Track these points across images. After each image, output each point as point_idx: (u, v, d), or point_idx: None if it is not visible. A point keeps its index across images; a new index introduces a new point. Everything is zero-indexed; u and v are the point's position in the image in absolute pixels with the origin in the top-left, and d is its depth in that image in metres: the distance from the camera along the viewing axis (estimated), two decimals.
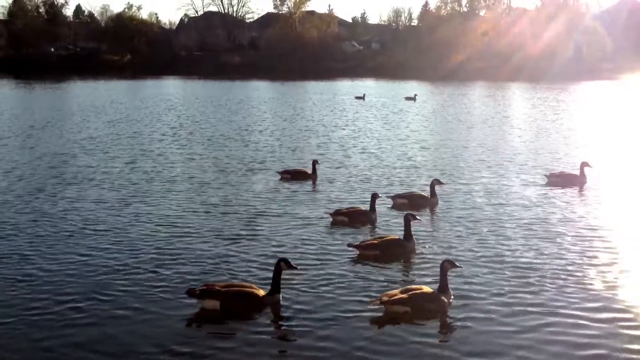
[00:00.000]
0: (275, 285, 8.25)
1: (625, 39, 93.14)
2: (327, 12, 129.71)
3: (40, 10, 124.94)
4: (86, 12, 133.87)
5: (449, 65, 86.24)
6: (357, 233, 11.62)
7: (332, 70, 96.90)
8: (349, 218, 12.16)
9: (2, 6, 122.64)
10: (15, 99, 49.43)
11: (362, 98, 47.00)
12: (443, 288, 8.30)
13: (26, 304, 8.17)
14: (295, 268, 8.52)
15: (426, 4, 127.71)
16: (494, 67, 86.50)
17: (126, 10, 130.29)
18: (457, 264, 8.65)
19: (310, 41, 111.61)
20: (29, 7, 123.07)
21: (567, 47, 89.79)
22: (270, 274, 8.42)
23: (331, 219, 12.25)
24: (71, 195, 14.32)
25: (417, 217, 10.83)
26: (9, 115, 34.13)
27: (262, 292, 8.21)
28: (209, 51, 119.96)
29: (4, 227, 11.61)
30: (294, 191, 15.08)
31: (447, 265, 8.40)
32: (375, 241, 10.39)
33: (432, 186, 13.78)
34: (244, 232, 11.57)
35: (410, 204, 13.39)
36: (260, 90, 64.88)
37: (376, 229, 11.99)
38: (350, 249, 10.27)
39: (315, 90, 62.58)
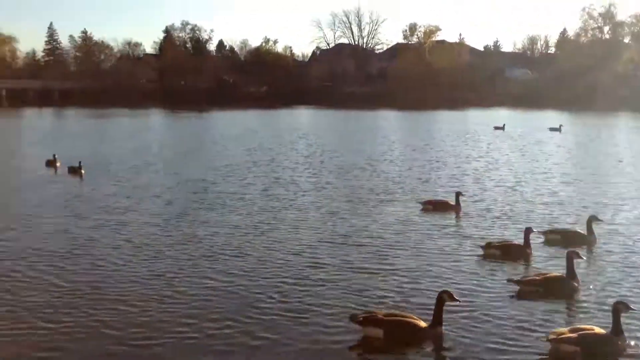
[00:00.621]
0: (437, 317, 8.12)
1: None
2: (457, 41, 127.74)
3: (187, 45, 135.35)
4: (227, 46, 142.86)
5: (589, 93, 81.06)
6: (511, 268, 11.12)
7: (463, 99, 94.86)
8: (501, 251, 11.78)
9: (154, 42, 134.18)
10: (163, 127, 53.70)
11: (502, 128, 45.25)
12: (616, 331, 7.70)
13: (174, 324, 8.49)
14: (457, 300, 8.34)
15: (564, 31, 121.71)
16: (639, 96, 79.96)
17: (263, 44, 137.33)
18: (632, 306, 7.99)
19: (440, 71, 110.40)
20: (177, 43, 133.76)
21: None
22: (420, 306, 8.43)
23: (482, 252, 11.86)
24: (210, 220, 14.97)
25: (581, 254, 10.32)
26: (157, 143, 36.97)
27: (424, 324, 8.09)
28: (339, 82, 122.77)
29: (149, 250, 12.30)
30: (435, 223, 14.63)
31: (620, 307, 7.86)
32: (538, 277, 9.99)
33: (589, 223, 12.88)
34: (386, 263, 11.34)
35: (564, 240, 12.58)
36: (389, 120, 65.02)
37: (531, 265, 11.41)
38: (510, 284, 9.90)
39: (446, 120, 61.51)
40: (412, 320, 8.09)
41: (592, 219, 12.96)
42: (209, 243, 12.78)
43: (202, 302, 9.36)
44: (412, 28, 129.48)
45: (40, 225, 14.44)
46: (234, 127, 50.73)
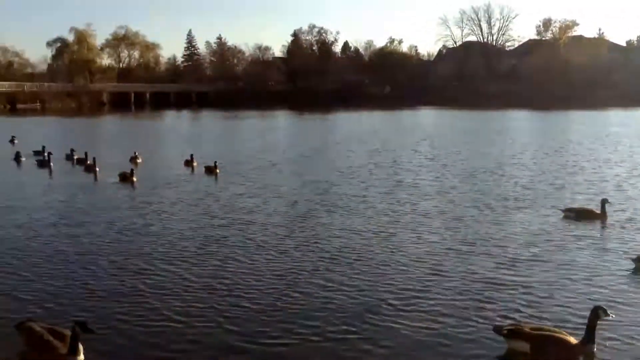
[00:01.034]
0: (590, 334, 7.66)
1: None
2: (596, 36, 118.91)
3: (314, 48, 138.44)
4: (352, 47, 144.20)
5: None
6: None
7: (602, 98, 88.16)
8: None
9: (283, 45, 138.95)
10: (289, 128, 55.32)
11: None
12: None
13: (295, 325, 8.60)
14: (612, 316, 7.88)
15: None
16: None
17: (388, 44, 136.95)
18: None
19: (576, 68, 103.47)
20: (305, 46, 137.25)
21: None
22: (558, 322, 8.07)
23: (634, 266, 10.91)
24: (331, 222, 15.06)
25: None
26: (283, 143, 38.09)
27: (574, 340, 7.64)
28: (466, 81, 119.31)
29: (272, 250, 12.60)
30: (576, 233, 13.65)
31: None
32: None
33: None
34: (519, 275, 10.73)
35: None
36: (520, 121, 61.98)
37: None
38: None
39: (583, 120, 57.47)
40: (562, 336, 7.65)
41: None
42: (330, 246, 12.85)
43: (321, 305, 9.40)
44: (547, 23, 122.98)
45: (175, 222, 15.31)
46: (358, 128, 51.04)
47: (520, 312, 9.03)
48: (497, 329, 7.88)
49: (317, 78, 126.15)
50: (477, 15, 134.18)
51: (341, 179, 22.42)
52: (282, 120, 68.76)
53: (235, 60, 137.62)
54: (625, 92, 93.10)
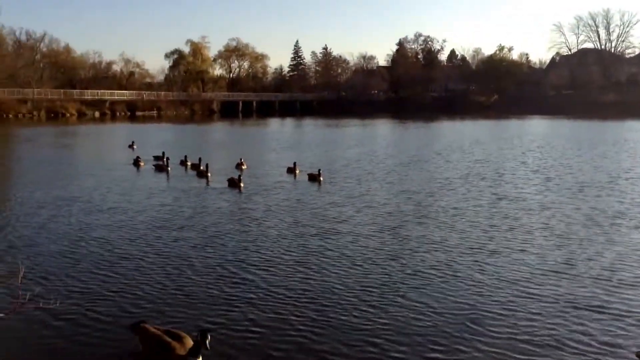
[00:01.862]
0: None
1: None
2: None
3: (419, 56, 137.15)
4: (459, 55, 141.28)
5: None
6: None
7: None
8: None
9: (387, 54, 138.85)
10: (391, 136, 54.98)
11: None
12: None
13: (378, 342, 8.54)
14: None
15: None
16: None
17: (497, 52, 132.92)
18: None
19: None
20: (410, 54, 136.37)
21: None
22: None
23: None
24: (424, 236, 14.75)
25: None
26: (383, 151, 37.94)
27: None
28: (580, 89, 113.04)
29: (362, 262, 12.56)
30: None
31: None
32: None
33: None
34: (625, 303, 10.01)
35: None
36: (638, 132, 57.63)
37: None
38: None
39: None
40: None
41: None
42: (420, 260, 12.58)
43: (403, 325, 9.20)
44: None
45: (276, 229, 15.66)
46: (461, 137, 49.81)
47: (618, 342, 8.38)
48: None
49: (421, 86, 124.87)
50: (594, 22, 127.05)
51: (439, 190, 21.95)
52: (383, 128, 68.55)
53: (339, 70, 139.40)
54: None
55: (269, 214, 17.43)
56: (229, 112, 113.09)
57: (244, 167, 27.79)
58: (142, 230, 15.44)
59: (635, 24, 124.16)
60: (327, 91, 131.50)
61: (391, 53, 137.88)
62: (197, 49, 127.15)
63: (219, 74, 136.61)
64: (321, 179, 23.91)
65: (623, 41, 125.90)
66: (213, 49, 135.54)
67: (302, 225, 16.10)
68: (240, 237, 14.76)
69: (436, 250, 13.36)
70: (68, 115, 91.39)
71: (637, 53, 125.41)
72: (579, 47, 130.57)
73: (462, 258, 12.76)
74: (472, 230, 15.37)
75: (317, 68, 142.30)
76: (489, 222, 16.25)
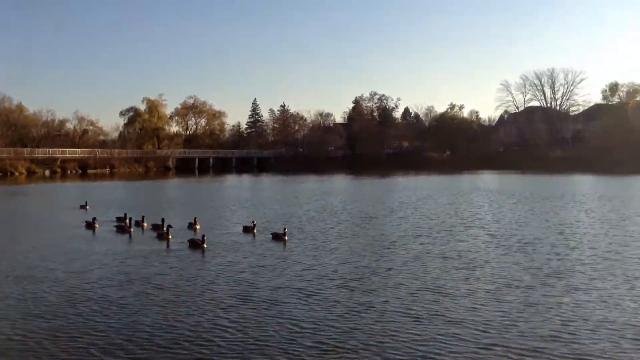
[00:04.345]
0: None
1: None
2: None
3: (375, 114, 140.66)
4: (413, 113, 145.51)
5: None
6: None
7: None
8: None
9: (344, 112, 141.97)
10: (349, 192, 55.55)
11: None
12: None
13: None
14: None
15: None
16: None
17: (449, 110, 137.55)
18: None
19: None
20: (365, 112, 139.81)
21: None
22: None
23: None
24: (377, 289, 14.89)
25: None
26: (342, 206, 38.13)
27: None
28: (528, 145, 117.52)
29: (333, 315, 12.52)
30: None
31: None
32: None
33: None
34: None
35: None
36: (586, 185, 59.96)
37: None
38: None
39: None
40: None
41: None
42: (381, 310, 12.66)
43: None
44: (614, 88, 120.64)
45: (246, 291, 15.48)
46: (414, 192, 50.75)
47: None
48: None
49: (376, 143, 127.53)
50: (540, 81, 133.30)
51: (392, 248, 22.16)
52: (340, 184, 69.28)
53: (296, 127, 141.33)
54: None
55: (237, 278, 16.64)
56: (185, 168, 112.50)
57: (197, 226, 26.69)
58: (99, 295, 15.04)
59: (579, 83, 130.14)
60: (285, 147, 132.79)
61: (347, 111, 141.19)
62: (153, 106, 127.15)
63: (175, 131, 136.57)
64: (286, 238, 23.30)
65: (568, 99, 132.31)
66: (170, 107, 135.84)
67: (278, 285, 15.85)
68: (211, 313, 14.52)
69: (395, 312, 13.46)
70: (17, 174, 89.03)
71: (581, 111, 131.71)
72: (526, 105, 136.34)
73: (393, 323, 12.88)
74: (422, 290, 15.57)
75: (275, 125, 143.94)
76: (441, 283, 16.51)
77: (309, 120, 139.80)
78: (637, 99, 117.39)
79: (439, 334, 11.38)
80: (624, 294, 14.24)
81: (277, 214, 33.88)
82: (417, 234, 25.15)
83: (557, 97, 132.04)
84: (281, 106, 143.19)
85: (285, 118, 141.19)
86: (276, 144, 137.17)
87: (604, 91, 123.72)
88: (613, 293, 14.37)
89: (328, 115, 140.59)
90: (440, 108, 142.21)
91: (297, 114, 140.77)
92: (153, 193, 57.92)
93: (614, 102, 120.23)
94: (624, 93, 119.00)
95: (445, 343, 10.90)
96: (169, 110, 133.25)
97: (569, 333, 11.38)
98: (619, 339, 11.02)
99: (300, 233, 25.35)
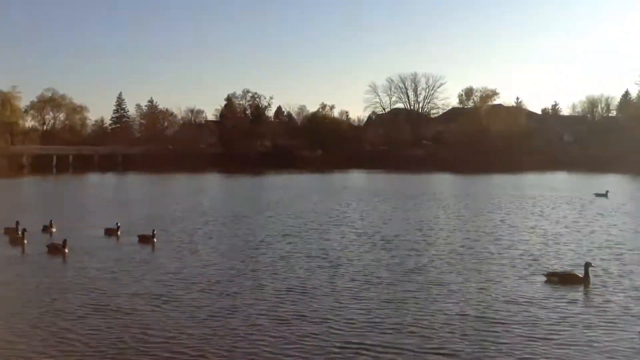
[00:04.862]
0: None
1: None
2: (514, 104, 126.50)
3: (247, 112, 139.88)
4: (285, 112, 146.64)
5: None
6: None
7: (521, 163, 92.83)
8: None
9: (216, 109, 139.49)
10: (221, 191, 54.68)
11: (605, 195, 42.94)
12: None
13: None
14: None
15: (626, 94, 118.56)
16: None
17: (320, 109, 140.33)
18: None
19: (496, 134, 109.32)
20: (238, 110, 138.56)
21: None
22: None
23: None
24: (259, 288, 14.72)
25: None
26: (210, 206, 37.36)
27: None
28: (393, 145, 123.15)
29: (187, 321, 12.10)
30: (560, 298, 14.36)
31: None
32: None
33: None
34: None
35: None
36: (444, 183, 64.02)
37: None
38: None
39: (502, 184, 60.03)
40: None
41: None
42: (251, 312, 12.50)
43: None
44: (469, 92, 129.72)
45: (109, 299, 14.49)
46: (285, 191, 51.15)
47: None
48: None
49: (249, 141, 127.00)
50: (404, 84, 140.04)
51: (261, 248, 22.10)
52: (212, 182, 68.06)
53: (166, 123, 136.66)
54: (542, 157, 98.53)
55: (93, 285, 15.66)
56: (42, 166, 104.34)
57: (53, 229, 24.83)
58: None
59: (438, 87, 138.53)
60: (153, 145, 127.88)
61: (220, 108, 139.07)
62: (5, 99, 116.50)
63: (30, 126, 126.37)
64: (155, 240, 22.33)
65: (429, 102, 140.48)
66: (25, 100, 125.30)
67: (142, 292, 15.04)
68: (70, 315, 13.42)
69: (257, 306, 13.34)
70: None
71: (440, 113, 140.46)
72: (391, 107, 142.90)
73: (280, 308, 12.88)
74: (289, 290, 15.65)
75: (142, 121, 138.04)
76: (305, 282, 16.69)
77: (179, 117, 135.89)
78: (489, 103, 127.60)
79: (304, 335, 11.46)
80: (475, 288, 15.28)
81: (143, 215, 32.46)
82: (285, 233, 25.29)
83: (419, 100, 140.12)
84: (149, 101, 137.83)
85: (153, 114, 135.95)
86: (144, 141, 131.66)
87: (460, 95, 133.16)
88: (465, 287, 15.38)
89: (199, 112, 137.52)
90: (312, 108, 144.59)
91: (167, 110, 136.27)
92: (3, 193, 53.02)
93: (469, 106, 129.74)
94: (478, 97, 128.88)
95: (308, 343, 10.99)
96: (23, 103, 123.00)
97: (424, 327, 11.97)
98: (470, 330, 11.76)
99: (166, 235, 24.40)
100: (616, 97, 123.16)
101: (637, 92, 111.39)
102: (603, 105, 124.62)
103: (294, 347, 10.85)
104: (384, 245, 22.08)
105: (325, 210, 34.83)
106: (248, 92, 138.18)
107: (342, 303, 13.77)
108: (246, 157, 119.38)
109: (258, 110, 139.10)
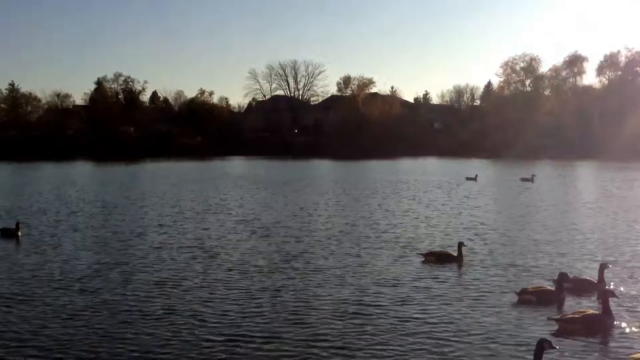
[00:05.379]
0: None
1: None
2: (389, 93, 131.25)
3: (120, 96, 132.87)
4: (161, 97, 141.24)
5: (513, 143, 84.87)
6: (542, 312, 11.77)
7: (396, 150, 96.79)
8: (536, 297, 12.39)
9: (85, 93, 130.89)
10: (88, 180, 51.38)
11: (474, 179, 45.86)
12: None
13: None
14: (556, 348, 8.94)
15: (489, 84, 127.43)
16: (558, 145, 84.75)
17: (199, 95, 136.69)
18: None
19: (373, 122, 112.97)
20: (110, 94, 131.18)
21: (636, 125, 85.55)
22: None
23: (517, 298, 12.50)
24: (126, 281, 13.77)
25: (616, 293, 11.53)
26: (79, 197, 34.92)
27: None
28: (274, 132, 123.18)
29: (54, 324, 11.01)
30: (438, 275, 15.01)
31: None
32: (577, 316, 10.87)
33: (601, 270, 13.59)
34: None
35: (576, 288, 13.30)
36: (323, 169, 65.01)
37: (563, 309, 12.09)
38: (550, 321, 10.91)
39: (379, 170, 62.10)
40: None
41: (605, 266, 13.71)
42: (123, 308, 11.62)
43: None
44: (346, 80, 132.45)
45: None
46: (162, 178, 49.19)
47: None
48: None
49: (122, 127, 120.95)
50: (284, 71, 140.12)
51: (133, 240, 20.88)
52: (79, 171, 63.87)
53: (29, 108, 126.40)
54: (415, 144, 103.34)
55: None
56: None
57: None
58: None
59: (318, 75, 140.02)
60: (15, 131, 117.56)
61: (89, 92, 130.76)
62: None
63: None
64: (19, 233, 20.45)
65: (308, 90, 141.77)
66: None
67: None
68: None
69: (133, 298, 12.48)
70: None
71: (320, 101, 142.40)
72: (272, 94, 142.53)
73: (150, 295, 12.15)
74: (175, 270, 14.87)
75: (3, 105, 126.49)
76: (191, 266, 15.97)
77: (43, 101, 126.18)
78: (367, 91, 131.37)
79: (176, 330, 10.83)
80: (353, 272, 15.38)
81: (1, 207, 29.64)
82: (159, 223, 24.15)
83: (299, 87, 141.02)
84: (10, 84, 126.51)
85: (14, 98, 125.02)
86: (4, 127, 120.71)
87: (338, 83, 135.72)
88: (344, 271, 15.44)
89: (66, 96, 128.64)
90: (190, 93, 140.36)
91: (30, 94, 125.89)
92: None
93: (347, 94, 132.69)
94: (355, 86, 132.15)
95: (181, 339, 10.39)
96: None
97: (301, 314, 11.78)
98: (348, 315, 11.73)
99: (27, 228, 22.30)
100: (480, 87, 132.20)
101: (497, 82, 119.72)
102: (468, 95, 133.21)
103: (165, 343, 10.19)
104: (263, 233, 21.73)
105: (203, 199, 33.87)
106: (120, 75, 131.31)
107: (217, 294, 13.25)
108: (119, 144, 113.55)
109: (131, 95, 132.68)
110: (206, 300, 12.81)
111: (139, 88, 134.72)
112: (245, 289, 13.70)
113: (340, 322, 11.31)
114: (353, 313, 11.86)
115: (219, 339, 10.44)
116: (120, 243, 19.65)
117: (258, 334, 10.66)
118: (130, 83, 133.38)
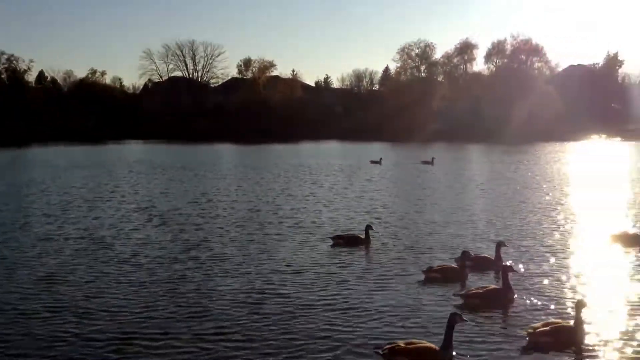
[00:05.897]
0: (449, 340, 8.79)
1: (576, 102, 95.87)
2: (290, 76, 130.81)
3: (2, 76, 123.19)
4: (49, 78, 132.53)
5: (410, 127, 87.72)
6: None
7: (298, 133, 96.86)
8: (441, 275, 12.90)
9: None
10: None
11: (379, 162, 46.41)
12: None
13: None
14: (466, 321, 9.27)
15: (387, 69, 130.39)
16: (452, 129, 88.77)
17: (89, 75, 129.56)
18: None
19: (275, 105, 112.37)
20: None
21: (522, 110, 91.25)
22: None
23: (424, 276, 12.95)
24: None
25: (515, 269, 12.26)
26: None
27: (437, 348, 8.70)
28: (173, 115, 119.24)
29: None
30: (346, 257, 15.13)
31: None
32: (480, 290, 11.46)
33: (498, 248, 14.15)
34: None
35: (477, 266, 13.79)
36: (226, 154, 63.73)
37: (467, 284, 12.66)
38: (455, 297, 11.52)
39: (281, 154, 61.82)
40: (432, 346, 8.70)
41: (501, 244, 14.31)
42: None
43: None
44: (247, 63, 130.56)
45: None
46: (51, 164, 45.97)
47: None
48: (378, 349, 8.73)
49: (5, 110, 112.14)
50: (182, 52, 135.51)
51: (14, 231, 19.16)
52: None
53: None
54: (317, 128, 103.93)
55: None
56: None
57: None
58: None
59: (217, 57, 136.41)
60: None
61: None
62: None
63: None
64: None
65: (208, 71, 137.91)
66: None
67: None
68: None
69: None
70: None
71: (220, 83, 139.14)
72: (169, 75, 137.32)
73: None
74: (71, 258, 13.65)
75: None
76: (95, 253, 14.77)
77: None
78: (268, 74, 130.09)
79: (57, 330, 9.87)
80: (257, 259, 14.90)
81: None
82: (46, 213, 22.38)
83: (198, 68, 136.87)
84: None
85: None
86: None
87: (239, 65, 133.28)
88: (247, 259, 14.92)
89: None
90: (81, 73, 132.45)
91: None
92: None
93: (248, 77, 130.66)
94: (256, 68, 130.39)
95: (68, 340, 9.47)
96: None
97: (203, 307, 11.17)
98: (249, 306, 11.26)
99: None
100: (379, 71, 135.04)
101: (394, 68, 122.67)
102: (367, 79, 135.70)
103: (50, 345, 9.25)
104: (159, 221, 20.68)
105: (94, 185, 31.91)
106: (3, 53, 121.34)
107: (107, 289, 12.30)
108: (1, 128, 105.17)
109: (15, 75, 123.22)
110: (95, 295, 11.85)
111: (24, 67, 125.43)
112: (139, 283, 12.83)
113: (243, 313, 10.83)
114: (256, 303, 11.41)
115: (110, 337, 9.63)
116: (1, 235, 17.92)
117: (153, 330, 9.96)
118: (13, 62, 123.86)
